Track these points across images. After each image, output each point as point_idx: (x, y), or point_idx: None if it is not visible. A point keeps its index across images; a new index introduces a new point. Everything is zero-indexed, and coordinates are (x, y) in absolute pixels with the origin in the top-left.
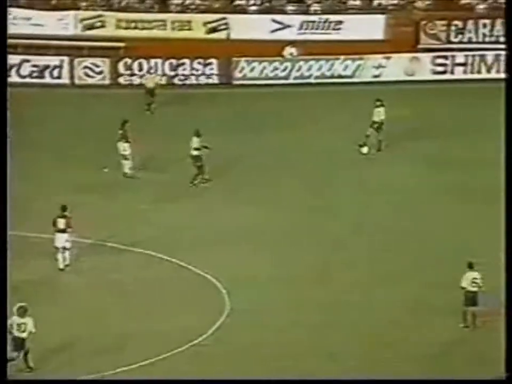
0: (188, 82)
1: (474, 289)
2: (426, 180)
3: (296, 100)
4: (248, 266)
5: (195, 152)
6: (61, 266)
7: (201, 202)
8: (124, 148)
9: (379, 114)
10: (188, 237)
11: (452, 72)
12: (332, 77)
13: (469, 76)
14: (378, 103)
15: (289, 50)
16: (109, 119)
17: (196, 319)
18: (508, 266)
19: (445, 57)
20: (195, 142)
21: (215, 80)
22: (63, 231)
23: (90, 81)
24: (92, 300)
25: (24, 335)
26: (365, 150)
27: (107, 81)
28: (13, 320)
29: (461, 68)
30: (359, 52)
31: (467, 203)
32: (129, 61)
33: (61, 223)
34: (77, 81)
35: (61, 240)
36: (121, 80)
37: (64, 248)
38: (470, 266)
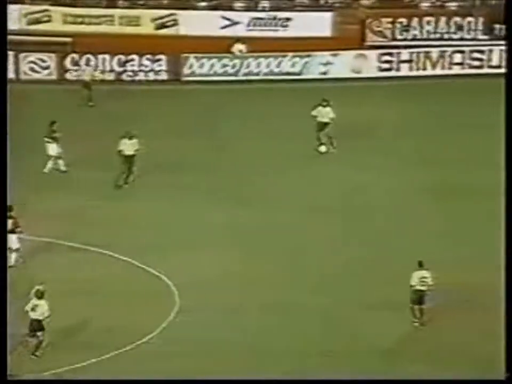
0: (136, 78)
1: (423, 288)
2: (378, 177)
3: (244, 97)
4: (197, 266)
5: (127, 152)
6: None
7: (152, 200)
8: (52, 148)
9: (327, 114)
10: (137, 236)
11: (398, 69)
12: (280, 73)
13: (414, 73)
14: (325, 103)
15: (238, 47)
16: (51, 114)
17: (145, 318)
18: (508, 266)
19: (391, 54)
20: (126, 143)
21: (164, 76)
22: (11, 231)
23: (36, 76)
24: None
25: (40, 317)
26: (323, 148)
27: (54, 77)
28: (30, 302)
29: (406, 65)
30: (307, 49)
31: (423, 199)
32: (76, 56)
33: (9, 223)
34: (22, 77)
35: (10, 240)
36: (68, 75)
37: (13, 249)
38: (420, 265)
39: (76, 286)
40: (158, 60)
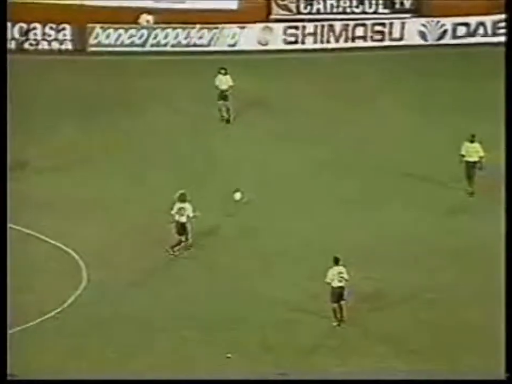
0: (39, 47)
1: (341, 284)
2: (275, 153)
3: (152, 68)
4: (104, 239)
5: None
6: None
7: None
8: None
9: (226, 82)
10: (43, 210)
11: (303, 42)
12: (188, 45)
13: (319, 46)
14: (223, 71)
15: (145, 18)
16: None
17: (52, 292)
18: (508, 266)
19: (296, 28)
20: None
21: (68, 46)
22: None
23: None
24: None
25: (183, 219)
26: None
27: None
28: (175, 205)
29: (311, 38)
30: (215, 22)
31: (320, 179)
32: None
33: None
34: None
35: None
36: None
37: None
38: (336, 262)
39: None
40: (62, 29)
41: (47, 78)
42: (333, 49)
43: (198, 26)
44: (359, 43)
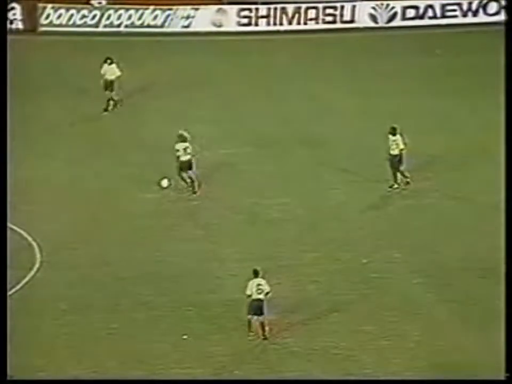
0: None
1: (260, 296)
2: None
3: (105, 49)
4: (59, 220)
5: None
6: None
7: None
8: None
9: (113, 72)
10: None
11: (256, 24)
12: (142, 26)
13: (272, 28)
14: (109, 60)
15: None
16: None
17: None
18: (508, 267)
19: (249, 10)
20: None
21: (19, 25)
22: None
23: None
24: None
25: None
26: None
27: None
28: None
29: (264, 20)
30: (168, 3)
31: None
32: None
33: None
34: None
35: None
36: None
37: None
38: (256, 273)
39: None
40: (12, 9)
41: None
42: (285, 32)
43: (151, 7)
44: (311, 25)
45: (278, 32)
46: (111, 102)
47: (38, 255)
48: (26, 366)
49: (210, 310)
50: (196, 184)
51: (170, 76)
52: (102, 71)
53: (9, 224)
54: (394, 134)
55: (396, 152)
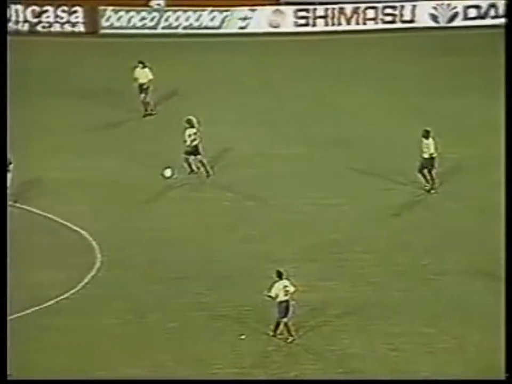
0: (52, 30)
1: (287, 297)
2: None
3: (164, 50)
4: (117, 219)
5: None
6: None
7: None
8: None
9: (146, 75)
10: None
11: (314, 25)
12: (199, 27)
13: (330, 28)
14: (141, 64)
15: (156, 1)
16: None
17: (67, 274)
18: (508, 265)
19: (307, 10)
20: None
21: (81, 28)
22: None
23: None
24: None
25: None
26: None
27: None
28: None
29: (322, 20)
30: (226, 4)
31: None
32: None
33: None
34: None
35: None
36: None
37: None
38: (280, 275)
39: None
40: (74, 12)
41: (59, 59)
42: (343, 32)
43: (209, 8)
44: (370, 25)
45: (335, 32)
46: (146, 105)
47: (98, 255)
48: (86, 366)
49: (266, 310)
50: (207, 168)
51: (227, 76)
52: (135, 75)
53: (69, 224)
54: (427, 138)
55: (427, 155)
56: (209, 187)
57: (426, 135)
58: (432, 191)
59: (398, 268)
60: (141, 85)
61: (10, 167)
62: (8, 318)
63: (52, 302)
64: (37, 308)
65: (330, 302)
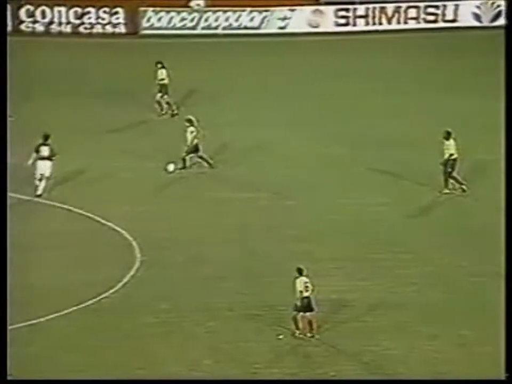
0: (94, 31)
1: (308, 293)
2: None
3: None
4: (157, 219)
5: None
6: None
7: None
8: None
9: (162, 75)
10: (99, 191)
11: (354, 24)
12: (239, 28)
13: (370, 28)
14: (159, 65)
15: (196, 1)
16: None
17: (106, 273)
18: (508, 267)
19: (347, 10)
20: None
21: (122, 29)
22: (48, 158)
23: None
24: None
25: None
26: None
27: (8, 28)
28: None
29: (363, 20)
30: (265, 4)
31: None
32: (31, 8)
33: (45, 150)
34: None
35: (44, 167)
36: (23, 27)
37: (45, 176)
38: (300, 272)
39: (39, 240)
40: (116, 13)
41: (101, 60)
42: (384, 31)
43: (248, 9)
44: (412, 25)
45: (376, 31)
46: (167, 105)
47: (138, 255)
48: (126, 365)
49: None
50: (209, 160)
51: (266, 76)
52: (157, 76)
53: (110, 224)
54: (448, 139)
55: (445, 156)
56: (246, 187)
57: (447, 136)
58: (461, 192)
59: (436, 269)
60: (160, 85)
61: (54, 159)
62: (47, 317)
63: (92, 301)
64: (77, 307)
65: (369, 302)
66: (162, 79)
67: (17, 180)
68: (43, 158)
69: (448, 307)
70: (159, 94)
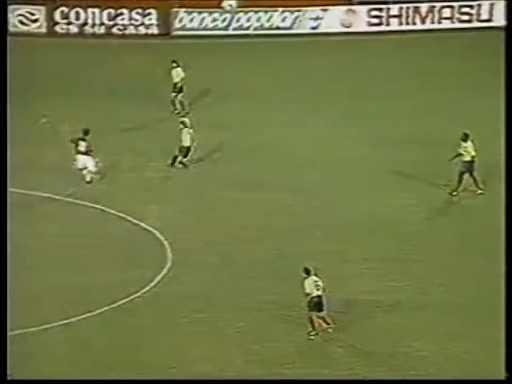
0: (127, 32)
1: (319, 292)
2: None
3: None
4: (188, 219)
5: None
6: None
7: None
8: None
9: (177, 74)
10: (128, 190)
11: (387, 24)
12: (271, 28)
13: (404, 27)
14: (174, 64)
15: (228, 2)
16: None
17: (138, 272)
18: (508, 267)
19: (380, 10)
20: None
21: (154, 30)
22: (85, 153)
23: (25, 29)
24: (43, 255)
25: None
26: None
27: (43, 30)
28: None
29: (396, 19)
30: (297, 4)
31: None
32: (65, 9)
33: (82, 145)
34: (11, 29)
35: (82, 161)
36: (57, 28)
37: (89, 169)
38: (307, 272)
39: (72, 240)
40: (148, 14)
41: (133, 60)
42: (418, 31)
43: (280, 9)
44: (446, 24)
45: (410, 31)
46: (179, 105)
47: (169, 255)
48: (158, 364)
49: (336, 312)
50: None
51: (297, 76)
52: (172, 75)
53: (142, 224)
54: (465, 140)
55: (467, 158)
56: (277, 188)
57: (465, 138)
58: (479, 193)
59: (464, 270)
60: (175, 84)
61: (91, 154)
62: (82, 316)
63: (124, 300)
64: (109, 306)
65: (399, 302)
66: (182, 78)
67: (52, 179)
68: (82, 153)
69: (476, 308)
70: (174, 93)
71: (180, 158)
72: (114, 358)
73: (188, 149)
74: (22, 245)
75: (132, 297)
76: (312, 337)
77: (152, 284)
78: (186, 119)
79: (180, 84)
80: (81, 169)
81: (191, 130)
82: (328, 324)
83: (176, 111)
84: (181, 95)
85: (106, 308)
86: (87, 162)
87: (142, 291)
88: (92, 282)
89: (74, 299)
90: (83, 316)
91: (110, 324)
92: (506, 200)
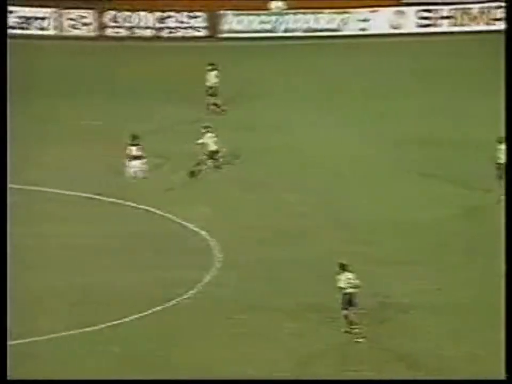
0: (175, 35)
1: (351, 289)
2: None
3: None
4: (234, 220)
5: None
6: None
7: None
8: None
9: (212, 78)
10: (173, 192)
11: (437, 25)
12: (318, 30)
13: (454, 29)
14: (210, 67)
15: (276, 4)
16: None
17: (186, 273)
18: (508, 266)
19: (429, 11)
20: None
21: (202, 33)
22: (136, 158)
23: (76, 33)
24: (80, 257)
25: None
26: None
27: (93, 33)
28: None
29: (446, 21)
30: (345, 6)
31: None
32: (115, 13)
33: (133, 150)
34: (64, 33)
35: (134, 166)
36: (108, 32)
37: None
38: (343, 267)
39: (118, 241)
40: (197, 17)
41: (182, 63)
42: (469, 32)
43: (328, 10)
44: (497, 26)
45: (459, 33)
46: (214, 107)
47: (217, 256)
48: (204, 364)
49: (380, 313)
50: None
51: (346, 77)
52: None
53: (188, 225)
54: (501, 142)
55: (502, 161)
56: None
57: (501, 140)
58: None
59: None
60: (210, 87)
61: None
62: (128, 318)
63: (172, 302)
64: (157, 307)
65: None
66: (216, 81)
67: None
68: (133, 157)
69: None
70: (209, 96)
71: (206, 162)
72: (161, 359)
73: (214, 152)
74: (73, 245)
75: (180, 298)
76: (350, 334)
77: (200, 285)
78: (209, 124)
79: (213, 87)
80: (132, 175)
81: (213, 134)
82: (355, 323)
83: (212, 113)
84: (213, 98)
85: (154, 309)
86: (135, 168)
87: (190, 292)
88: (139, 284)
89: (122, 300)
90: (129, 318)
91: (157, 326)
92: (506, 200)
